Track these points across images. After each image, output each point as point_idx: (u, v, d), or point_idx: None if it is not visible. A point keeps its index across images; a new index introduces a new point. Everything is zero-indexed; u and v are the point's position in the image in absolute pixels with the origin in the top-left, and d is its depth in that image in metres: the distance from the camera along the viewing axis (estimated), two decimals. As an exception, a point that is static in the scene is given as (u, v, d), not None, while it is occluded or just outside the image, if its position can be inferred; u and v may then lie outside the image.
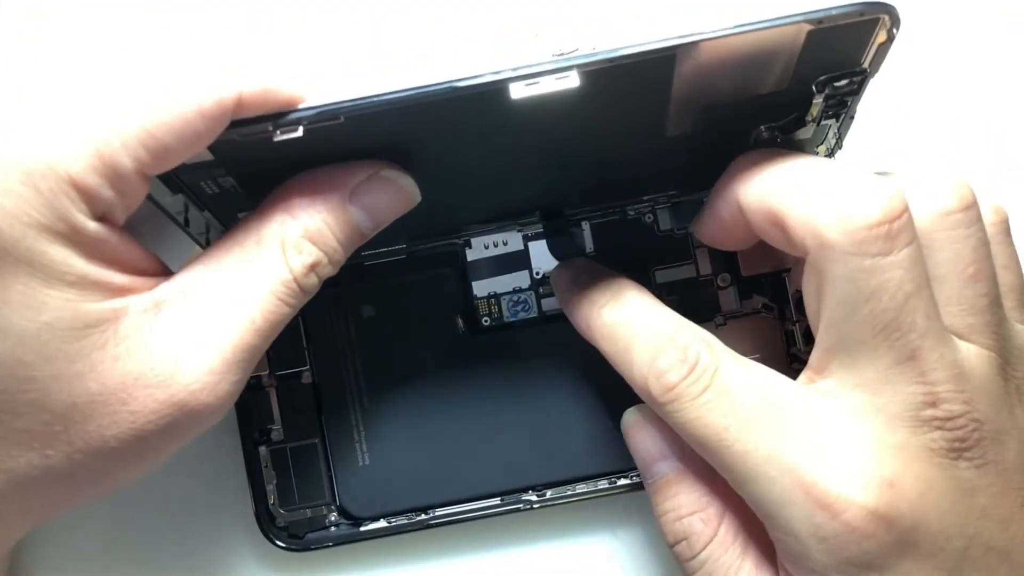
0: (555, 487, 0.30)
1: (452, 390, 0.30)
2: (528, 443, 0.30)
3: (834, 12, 0.21)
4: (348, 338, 0.30)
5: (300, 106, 0.22)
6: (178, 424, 0.23)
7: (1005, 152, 0.32)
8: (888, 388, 0.22)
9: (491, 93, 0.21)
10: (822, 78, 0.24)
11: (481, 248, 0.30)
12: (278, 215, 0.24)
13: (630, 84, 0.22)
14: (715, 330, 0.30)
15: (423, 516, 0.30)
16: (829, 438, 0.22)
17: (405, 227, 0.26)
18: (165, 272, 0.24)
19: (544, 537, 0.31)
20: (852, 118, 0.26)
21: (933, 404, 0.22)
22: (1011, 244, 0.25)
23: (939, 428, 0.22)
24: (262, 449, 0.30)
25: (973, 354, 0.22)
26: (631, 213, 0.30)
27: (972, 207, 0.23)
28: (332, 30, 0.32)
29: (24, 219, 0.21)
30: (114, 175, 0.21)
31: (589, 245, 0.30)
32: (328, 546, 0.30)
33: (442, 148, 0.25)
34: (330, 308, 0.30)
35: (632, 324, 0.25)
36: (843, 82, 0.24)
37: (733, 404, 0.23)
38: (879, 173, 0.24)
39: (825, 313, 0.23)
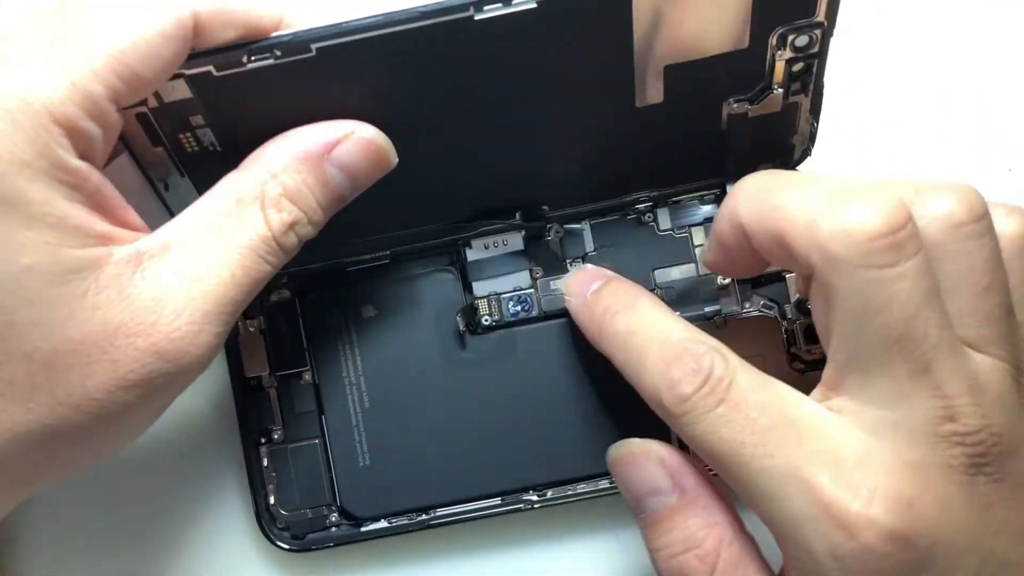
0: (556, 487, 0.30)
1: (453, 390, 0.30)
2: (529, 443, 0.30)
3: None
4: (348, 338, 0.30)
5: (272, 35, 0.23)
6: (160, 373, 0.22)
7: (1004, 151, 0.32)
8: (905, 403, 0.21)
9: (456, 22, 0.23)
10: (779, 31, 0.24)
11: (481, 248, 0.30)
12: (258, 173, 0.24)
13: (591, 18, 0.23)
14: (715, 330, 0.30)
15: (424, 516, 0.30)
16: (848, 456, 0.22)
17: (388, 214, 0.26)
18: (145, 229, 0.24)
19: (545, 537, 0.31)
20: (821, 95, 0.26)
21: (952, 418, 0.21)
22: None
23: (959, 444, 0.21)
24: (263, 449, 0.30)
25: (988, 366, 0.22)
26: (631, 214, 0.30)
27: (983, 217, 0.22)
28: None
29: (5, 156, 0.20)
30: (92, 105, 0.21)
31: (590, 245, 0.30)
32: (329, 546, 0.30)
33: (422, 112, 0.25)
34: (330, 308, 0.30)
35: (645, 334, 0.25)
36: (803, 40, 0.25)
37: (749, 418, 0.22)
38: (879, 182, 0.24)
39: (835, 329, 0.22)
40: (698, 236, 0.30)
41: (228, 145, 0.25)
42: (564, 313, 0.30)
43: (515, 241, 0.30)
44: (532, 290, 0.30)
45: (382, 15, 0.23)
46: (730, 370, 0.23)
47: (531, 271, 0.30)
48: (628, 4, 0.23)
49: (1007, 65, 0.33)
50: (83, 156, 0.22)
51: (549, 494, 0.30)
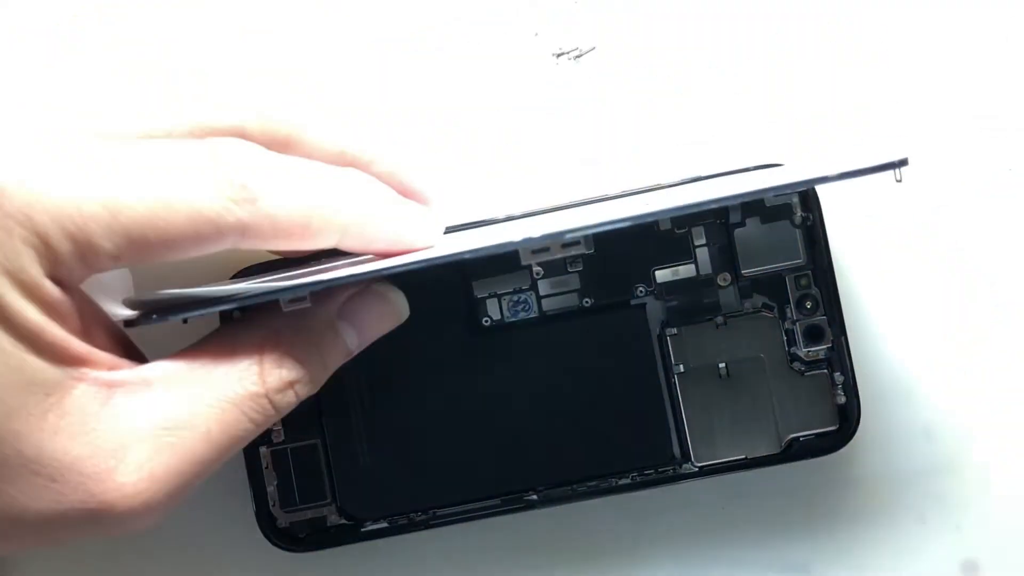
0: (556, 487, 0.30)
1: (452, 390, 0.30)
2: (529, 442, 0.30)
3: None
4: (348, 339, 0.30)
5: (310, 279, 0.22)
6: (99, 520, 0.21)
7: (1004, 151, 0.32)
8: None
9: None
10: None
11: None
12: (263, 325, 0.23)
13: None
14: (715, 330, 0.30)
15: (424, 516, 0.30)
16: None
17: None
18: (136, 356, 0.23)
19: (544, 537, 0.31)
20: None
21: None
22: None
23: None
24: (262, 450, 0.30)
25: None
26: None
27: None
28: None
29: None
30: (88, 250, 0.20)
31: (590, 245, 0.30)
32: (329, 547, 0.30)
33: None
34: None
35: None
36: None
37: None
38: None
39: None
40: (698, 236, 0.30)
41: None
42: (564, 314, 0.30)
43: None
44: (532, 291, 0.30)
45: (421, 262, 0.23)
46: None
47: (531, 272, 0.30)
48: None
49: (1007, 65, 0.33)
50: (62, 282, 0.21)
51: (550, 494, 0.30)
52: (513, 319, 0.30)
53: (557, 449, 0.30)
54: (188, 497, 0.30)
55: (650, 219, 0.23)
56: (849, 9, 0.32)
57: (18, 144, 0.21)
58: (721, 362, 0.30)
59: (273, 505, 0.30)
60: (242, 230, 0.21)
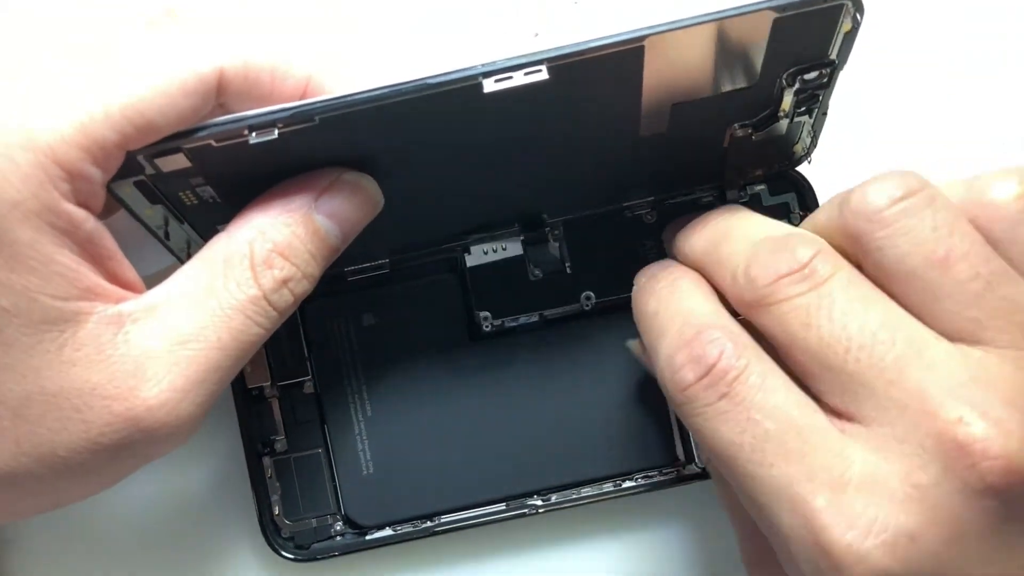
0: (560, 491, 0.30)
1: (454, 396, 0.30)
2: (532, 448, 0.30)
3: None
4: (349, 346, 0.30)
5: (275, 107, 0.22)
6: (133, 442, 0.22)
7: (1004, 151, 0.32)
8: (906, 419, 0.20)
9: (464, 89, 0.22)
10: (791, 70, 0.24)
11: (480, 254, 0.30)
12: (244, 231, 0.23)
13: (601, 76, 0.23)
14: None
15: (428, 523, 0.30)
16: (851, 478, 0.20)
17: (386, 238, 0.26)
18: (139, 285, 0.23)
19: (550, 542, 0.31)
20: (825, 114, 0.26)
21: (958, 436, 0.19)
22: None
23: (972, 466, 0.19)
24: (266, 460, 0.30)
25: (993, 361, 0.19)
26: (627, 215, 0.30)
27: (914, 194, 0.20)
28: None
29: (5, 184, 0.20)
30: (99, 150, 0.21)
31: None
32: (334, 555, 0.30)
33: (420, 153, 0.25)
34: (331, 317, 0.30)
35: (668, 314, 0.23)
36: (812, 75, 0.24)
37: (752, 419, 0.21)
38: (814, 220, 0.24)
39: (796, 362, 0.21)
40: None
41: (228, 196, 0.24)
42: (565, 318, 0.30)
43: (514, 246, 0.30)
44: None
45: (388, 87, 0.22)
46: (740, 363, 0.21)
47: (530, 275, 0.30)
48: (640, 61, 0.23)
49: (1007, 64, 0.33)
50: (81, 202, 0.21)
51: (553, 499, 0.30)
52: (514, 324, 0.30)
53: (560, 453, 0.30)
54: (192, 501, 0.31)
55: (616, 40, 0.22)
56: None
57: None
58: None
59: (277, 514, 0.30)
60: (222, 77, 0.22)
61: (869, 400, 0.20)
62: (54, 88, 0.21)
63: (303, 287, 0.24)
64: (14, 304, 0.20)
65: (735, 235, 0.24)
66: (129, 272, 0.23)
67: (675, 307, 0.23)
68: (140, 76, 0.21)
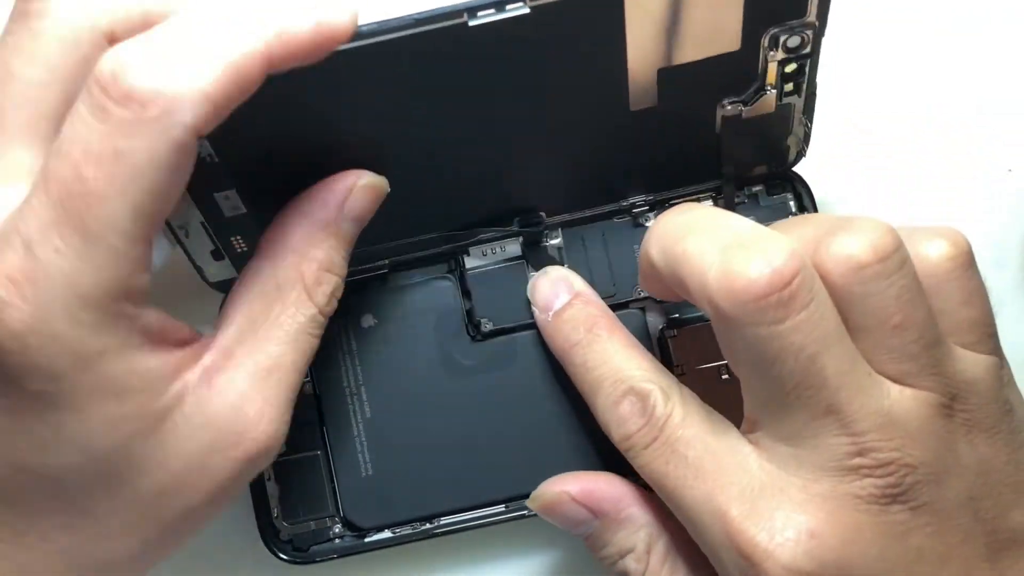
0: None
1: (454, 397, 0.30)
2: (532, 449, 0.30)
3: None
4: (348, 348, 0.30)
5: None
6: (252, 470, 0.24)
7: (1004, 151, 0.32)
8: (810, 441, 0.22)
9: (451, 28, 0.23)
10: (772, 31, 0.25)
11: (479, 255, 0.30)
12: (288, 257, 0.25)
13: (583, 19, 0.24)
14: (711, 330, 0.30)
15: (428, 525, 0.30)
16: (758, 488, 0.23)
17: (386, 232, 0.27)
18: (193, 334, 0.24)
19: (549, 543, 0.31)
20: (814, 96, 0.27)
21: (860, 453, 0.22)
22: (972, 277, 0.23)
23: (867, 476, 0.22)
24: (264, 462, 0.30)
25: (908, 397, 0.22)
26: (626, 216, 0.30)
27: (890, 256, 0.22)
28: None
29: (79, 350, 0.21)
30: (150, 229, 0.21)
31: (592, 244, 0.30)
32: (333, 558, 0.30)
33: (411, 121, 0.26)
34: (329, 319, 0.30)
35: (599, 370, 0.27)
36: (795, 40, 0.25)
37: (676, 452, 0.24)
38: (789, 224, 0.24)
39: (739, 373, 0.23)
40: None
41: (224, 155, 0.25)
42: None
43: (512, 247, 0.30)
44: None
45: (375, 23, 0.23)
46: (669, 407, 0.25)
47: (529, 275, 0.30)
48: (621, 9, 0.24)
49: (1007, 64, 0.33)
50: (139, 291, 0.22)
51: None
52: (513, 325, 0.30)
53: (560, 454, 0.30)
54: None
55: None
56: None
57: None
58: (721, 363, 0.30)
59: (276, 517, 0.30)
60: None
61: (796, 418, 0.22)
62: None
63: (341, 288, 0.26)
64: (136, 429, 0.22)
65: (700, 234, 0.23)
66: (183, 328, 0.24)
67: (602, 363, 0.27)
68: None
